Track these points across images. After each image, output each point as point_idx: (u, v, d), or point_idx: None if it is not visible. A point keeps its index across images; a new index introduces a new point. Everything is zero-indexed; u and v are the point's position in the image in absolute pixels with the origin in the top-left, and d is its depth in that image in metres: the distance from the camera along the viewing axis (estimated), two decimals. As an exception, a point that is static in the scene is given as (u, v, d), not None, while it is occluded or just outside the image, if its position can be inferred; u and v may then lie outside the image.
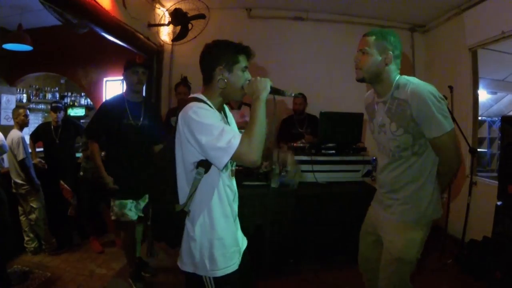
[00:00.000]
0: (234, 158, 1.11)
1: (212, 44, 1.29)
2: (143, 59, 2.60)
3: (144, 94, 2.78)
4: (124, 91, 2.49)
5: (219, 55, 1.25)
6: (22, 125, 3.07)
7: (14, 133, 2.97)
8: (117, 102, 2.39)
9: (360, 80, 1.51)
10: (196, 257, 1.22)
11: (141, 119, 2.38)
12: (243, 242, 1.39)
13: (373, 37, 1.44)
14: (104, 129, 2.37)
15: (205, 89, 1.30)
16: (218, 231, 1.23)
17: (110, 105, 2.40)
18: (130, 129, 2.33)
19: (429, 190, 1.50)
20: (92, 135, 2.44)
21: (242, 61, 1.26)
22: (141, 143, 2.38)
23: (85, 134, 2.60)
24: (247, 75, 1.29)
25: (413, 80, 1.43)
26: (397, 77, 1.47)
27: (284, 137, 3.50)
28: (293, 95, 1.36)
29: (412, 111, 1.38)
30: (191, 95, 1.31)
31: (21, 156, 2.89)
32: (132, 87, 2.38)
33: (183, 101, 1.27)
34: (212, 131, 1.11)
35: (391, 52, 1.44)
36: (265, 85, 1.23)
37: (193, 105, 1.19)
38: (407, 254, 1.49)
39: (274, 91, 1.28)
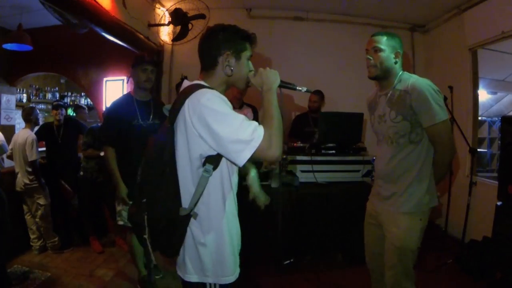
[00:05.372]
0: (256, 154, 0.99)
1: (218, 27, 1.16)
2: (151, 56, 2.53)
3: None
4: (131, 89, 2.40)
5: (227, 39, 1.14)
6: (36, 125, 3.17)
7: (28, 133, 3.02)
8: (126, 102, 2.31)
9: (374, 77, 1.63)
10: (207, 264, 1.10)
11: (151, 118, 2.30)
12: None
13: (385, 37, 1.57)
14: (116, 132, 2.25)
15: (206, 76, 1.17)
16: (230, 233, 1.13)
17: (119, 107, 2.31)
18: (140, 130, 2.23)
19: (425, 180, 1.58)
20: (106, 140, 2.30)
21: (248, 49, 1.19)
22: None
23: (100, 140, 2.51)
24: (251, 65, 1.22)
25: (414, 76, 1.59)
26: (400, 73, 1.62)
27: (295, 134, 3.47)
28: (304, 90, 1.28)
29: (411, 101, 1.51)
30: (195, 82, 1.15)
31: (34, 156, 2.95)
32: (140, 85, 2.30)
33: (186, 89, 1.11)
34: (232, 122, 0.99)
35: (399, 51, 1.59)
36: (276, 76, 1.16)
37: (205, 91, 1.04)
38: (408, 243, 1.56)
39: (284, 84, 1.21)
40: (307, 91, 1.29)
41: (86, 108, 3.96)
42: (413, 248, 1.57)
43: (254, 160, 1.10)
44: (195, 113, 1.02)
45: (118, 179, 2.22)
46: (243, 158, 0.99)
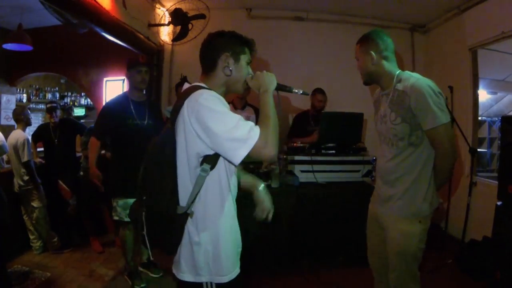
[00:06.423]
0: (251, 152, 1.01)
1: (217, 33, 1.22)
2: (145, 58, 2.66)
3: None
4: (127, 90, 2.51)
5: (226, 42, 1.19)
6: (28, 124, 3.11)
7: (19, 134, 2.96)
8: (121, 102, 2.41)
9: (365, 84, 1.67)
10: (200, 262, 1.11)
11: (146, 118, 2.40)
12: None
13: (358, 45, 1.62)
14: (108, 129, 2.38)
15: (206, 78, 1.21)
16: (226, 233, 1.14)
17: (113, 105, 2.42)
18: (136, 129, 2.34)
19: (425, 184, 1.54)
20: (95, 134, 2.46)
21: (247, 54, 1.23)
22: (146, 143, 2.36)
23: (92, 133, 2.62)
24: (250, 69, 1.25)
25: (414, 75, 1.53)
26: (398, 72, 1.57)
27: (296, 133, 3.42)
28: (301, 92, 1.30)
29: (410, 102, 1.46)
30: (195, 83, 1.18)
31: (25, 157, 2.90)
32: (136, 86, 2.41)
33: (186, 90, 1.15)
34: (227, 121, 1.02)
35: (372, 52, 1.55)
36: (273, 79, 1.20)
37: (203, 92, 1.08)
38: (407, 247, 1.53)
39: (280, 87, 1.25)
40: (303, 93, 1.32)
41: (70, 109, 4.18)
42: (414, 251, 1.53)
43: (251, 159, 1.09)
44: (193, 112, 1.05)
45: (92, 164, 2.44)
46: (239, 156, 1.01)
